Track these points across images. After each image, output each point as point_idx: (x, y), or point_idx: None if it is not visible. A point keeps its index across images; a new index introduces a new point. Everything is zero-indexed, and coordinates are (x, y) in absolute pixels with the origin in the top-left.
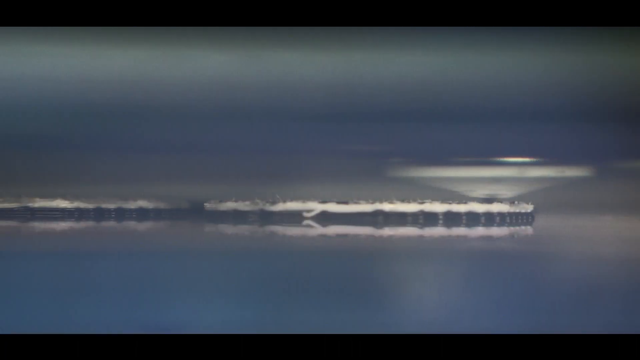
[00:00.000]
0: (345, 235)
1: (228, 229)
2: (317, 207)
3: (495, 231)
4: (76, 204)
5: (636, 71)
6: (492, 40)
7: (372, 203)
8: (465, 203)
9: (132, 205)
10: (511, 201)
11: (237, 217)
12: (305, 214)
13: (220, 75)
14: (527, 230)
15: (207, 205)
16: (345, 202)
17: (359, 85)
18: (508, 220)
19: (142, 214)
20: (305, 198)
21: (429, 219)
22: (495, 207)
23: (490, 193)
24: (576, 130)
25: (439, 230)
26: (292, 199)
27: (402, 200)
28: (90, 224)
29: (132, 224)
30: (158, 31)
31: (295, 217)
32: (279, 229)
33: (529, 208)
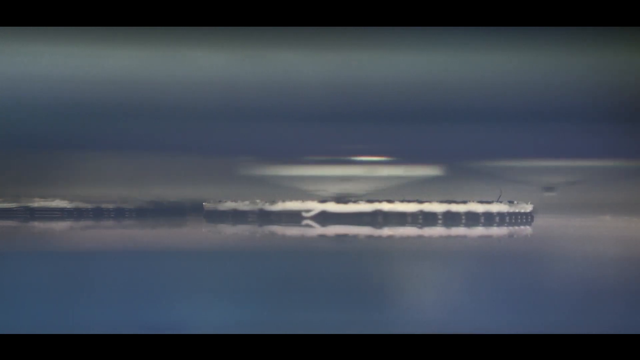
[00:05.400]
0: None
1: (227, 228)
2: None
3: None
4: (75, 204)
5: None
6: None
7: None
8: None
9: (131, 205)
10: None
11: (236, 216)
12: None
13: (218, 75)
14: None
15: (206, 205)
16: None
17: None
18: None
19: (141, 214)
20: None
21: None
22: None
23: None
24: (428, 130)
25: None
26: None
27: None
28: (89, 223)
29: (131, 224)
30: (158, 31)
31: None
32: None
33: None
